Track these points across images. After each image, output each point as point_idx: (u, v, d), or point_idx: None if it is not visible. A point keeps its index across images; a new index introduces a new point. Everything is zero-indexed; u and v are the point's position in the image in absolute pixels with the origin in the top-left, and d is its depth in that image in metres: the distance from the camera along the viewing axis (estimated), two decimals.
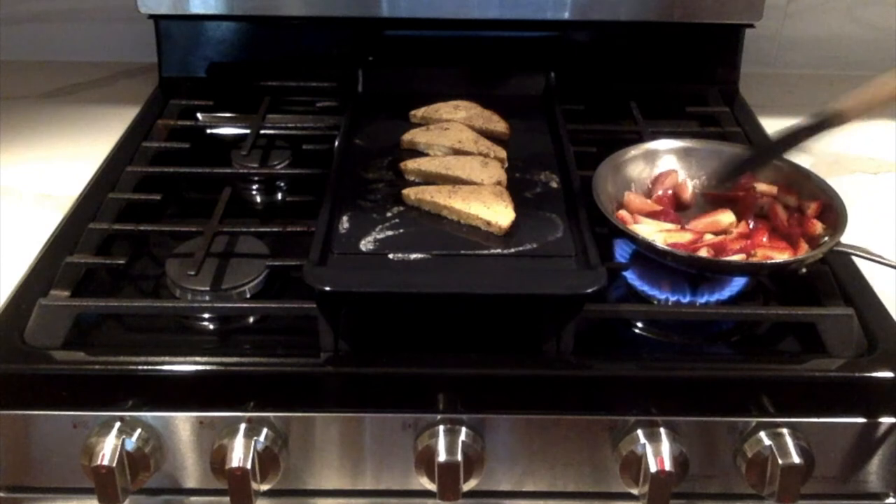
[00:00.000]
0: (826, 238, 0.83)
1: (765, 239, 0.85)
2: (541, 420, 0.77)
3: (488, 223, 0.85)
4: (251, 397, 0.76)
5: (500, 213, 0.85)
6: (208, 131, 1.14)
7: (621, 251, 0.88)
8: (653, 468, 0.74)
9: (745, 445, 0.76)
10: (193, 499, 0.80)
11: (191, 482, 0.79)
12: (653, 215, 0.88)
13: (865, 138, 1.12)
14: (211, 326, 0.83)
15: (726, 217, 0.88)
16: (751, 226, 0.87)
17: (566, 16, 1.18)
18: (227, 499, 0.75)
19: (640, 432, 0.76)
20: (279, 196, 1.05)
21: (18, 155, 1.09)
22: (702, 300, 0.83)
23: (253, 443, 0.74)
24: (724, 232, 0.87)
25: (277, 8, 1.18)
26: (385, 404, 0.76)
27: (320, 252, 0.79)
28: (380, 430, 0.77)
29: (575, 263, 0.81)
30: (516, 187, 0.92)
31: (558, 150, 0.99)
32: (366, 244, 0.83)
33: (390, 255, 0.82)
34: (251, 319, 0.83)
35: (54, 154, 1.10)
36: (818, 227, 0.85)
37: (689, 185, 0.93)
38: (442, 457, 0.74)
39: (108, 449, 0.74)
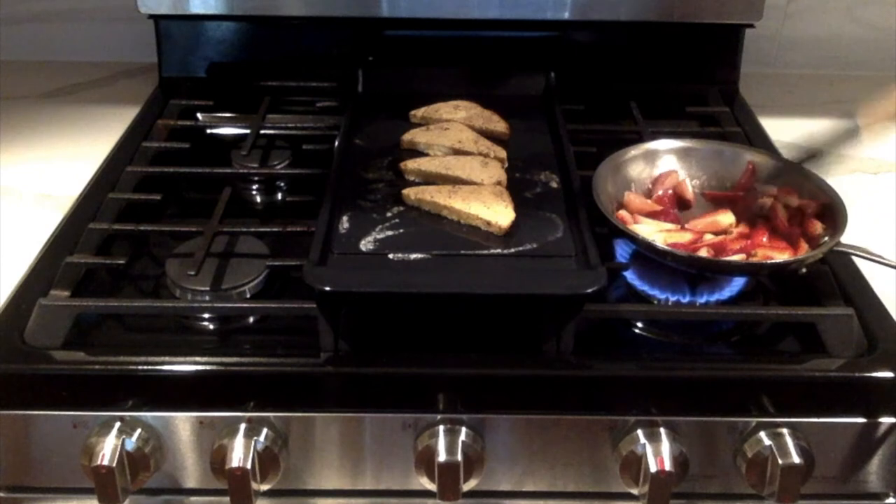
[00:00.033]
0: (826, 238, 0.83)
1: (765, 239, 0.85)
2: (541, 420, 0.77)
3: (488, 223, 0.85)
4: (251, 397, 0.76)
5: (500, 213, 0.85)
6: (208, 131, 1.14)
7: (621, 251, 0.88)
8: (653, 468, 0.74)
9: (745, 445, 0.76)
10: (193, 499, 0.80)
11: (191, 482, 0.79)
12: (653, 215, 0.88)
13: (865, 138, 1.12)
14: (211, 326, 0.83)
15: (725, 217, 0.88)
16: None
17: (566, 16, 1.18)
18: (227, 499, 0.75)
19: (640, 432, 0.76)
20: (279, 196, 1.05)
21: (18, 155, 1.09)
22: (702, 300, 0.83)
23: (253, 443, 0.74)
24: (724, 232, 0.87)
25: (277, 8, 1.18)
26: (385, 404, 0.76)
27: (320, 252, 0.79)
28: (380, 430, 0.77)
29: (575, 263, 0.81)
30: (516, 187, 0.92)
31: (558, 150, 0.99)
32: (366, 244, 0.83)
33: (390, 255, 0.82)
34: (251, 319, 0.83)
35: (54, 154, 1.10)
36: (818, 227, 0.85)
37: (690, 185, 0.93)
38: (442, 457, 0.74)
39: (108, 449, 0.74)
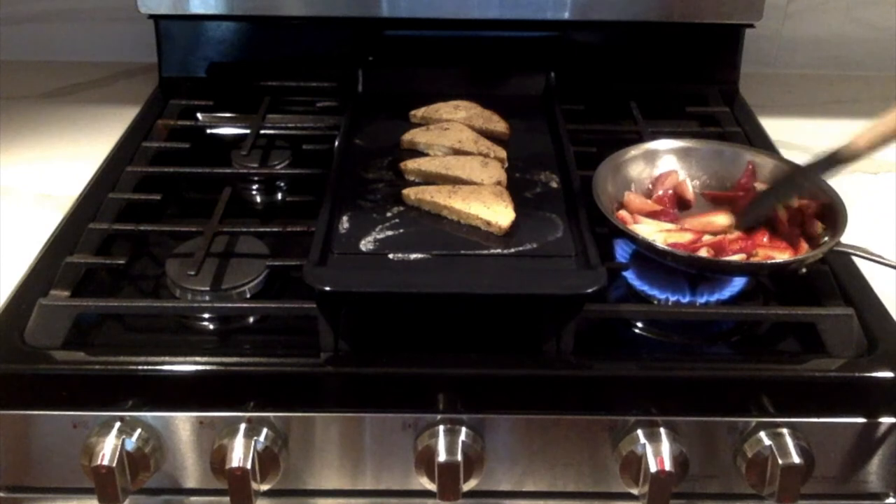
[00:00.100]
0: (826, 238, 0.83)
1: (765, 239, 0.85)
2: (541, 420, 0.77)
3: (488, 223, 0.85)
4: (251, 397, 0.76)
5: (500, 213, 0.85)
6: (208, 131, 1.14)
7: (621, 251, 0.88)
8: (653, 468, 0.74)
9: (745, 445, 0.76)
10: (193, 499, 0.80)
11: (191, 482, 0.79)
12: (653, 215, 0.88)
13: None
14: (211, 326, 0.83)
15: (721, 219, 0.88)
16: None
17: (566, 16, 1.18)
18: (227, 499, 0.75)
19: (640, 432, 0.76)
20: (279, 196, 1.05)
21: (18, 155, 1.09)
22: (702, 300, 0.83)
23: (253, 443, 0.74)
24: (722, 232, 0.87)
25: (277, 8, 1.18)
26: (385, 404, 0.76)
27: (320, 252, 0.79)
28: (380, 430, 0.77)
29: (575, 263, 0.81)
30: (516, 187, 0.92)
31: (558, 150, 0.99)
32: (366, 244, 0.83)
33: (390, 255, 0.82)
34: (251, 319, 0.83)
35: (54, 154, 1.10)
36: (818, 227, 0.85)
37: (690, 185, 0.93)
38: (442, 457, 0.74)
39: (108, 449, 0.74)
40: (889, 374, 0.75)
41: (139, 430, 0.75)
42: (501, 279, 0.79)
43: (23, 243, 0.90)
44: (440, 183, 0.92)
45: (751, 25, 1.20)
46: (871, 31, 1.32)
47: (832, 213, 0.85)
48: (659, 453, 0.74)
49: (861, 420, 0.77)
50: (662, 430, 0.76)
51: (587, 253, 0.79)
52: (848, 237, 0.82)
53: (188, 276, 0.82)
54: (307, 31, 1.22)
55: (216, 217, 0.90)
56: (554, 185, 0.93)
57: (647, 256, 0.83)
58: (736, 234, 0.86)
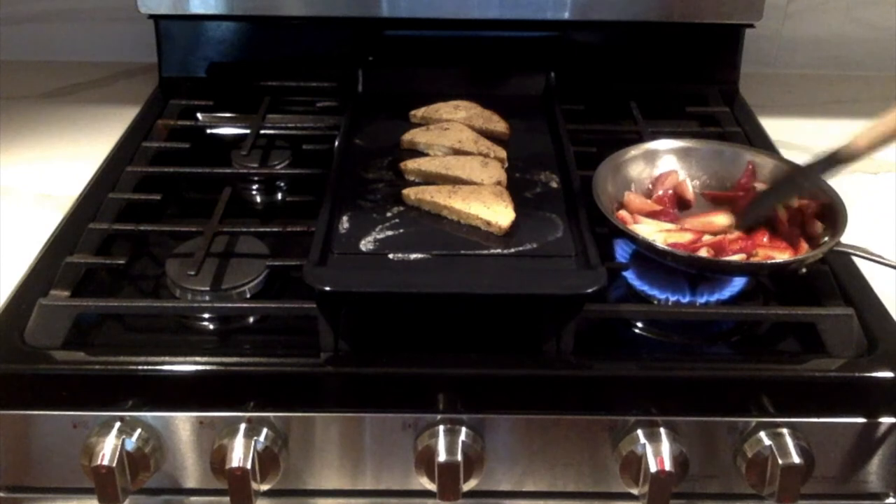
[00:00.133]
0: (826, 238, 0.83)
1: (765, 239, 0.85)
2: (541, 420, 0.77)
3: (488, 223, 0.85)
4: (251, 397, 0.76)
5: (500, 213, 0.85)
6: (208, 131, 1.14)
7: (621, 251, 0.88)
8: (653, 468, 0.74)
9: (745, 445, 0.76)
10: (193, 499, 0.80)
11: (191, 482, 0.79)
12: (653, 215, 0.88)
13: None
14: (211, 326, 0.83)
15: (721, 219, 0.88)
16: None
17: (566, 16, 1.18)
18: (227, 499, 0.75)
19: (640, 432, 0.76)
20: (279, 196, 1.05)
21: (18, 155, 1.09)
22: (702, 300, 0.83)
23: (253, 443, 0.74)
24: (722, 232, 0.87)
25: (277, 8, 1.18)
26: (385, 404, 0.76)
27: (320, 252, 0.79)
28: (380, 430, 0.77)
29: (575, 263, 0.81)
30: (516, 187, 0.92)
31: (558, 150, 0.99)
32: (366, 244, 0.83)
33: (390, 255, 0.82)
34: (251, 319, 0.83)
35: (54, 154, 1.10)
36: (818, 227, 0.85)
37: (690, 185, 0.93)
38: (442, 457, 0.74)
39: (108, 449, 0.74)
40: (889, 374, 0.75)
41: (139, 430, 0.75)
42: (501, 279, 0.79)
43: (23, 243, 0.90)
44: (440, 183, 0.92)
45: (751, 25, 1.20)
46: (871, 31, 1.32)
47: (832, 213, 0.85)
48: (659, 453, 0.74)
49: (861, 420, 0.77)
50: (662, 430, 0.76)
51: (587, 253, 0.79)
52: (848, 237, 0.82)
53: (188, 276, 0.82)
54: (307, 31, 1.22)
55: (216, 217, 0.90)
56: (554, 185, 0.93)
57: (647, 256, 0.83)
58: (736, 234, 0.86)
